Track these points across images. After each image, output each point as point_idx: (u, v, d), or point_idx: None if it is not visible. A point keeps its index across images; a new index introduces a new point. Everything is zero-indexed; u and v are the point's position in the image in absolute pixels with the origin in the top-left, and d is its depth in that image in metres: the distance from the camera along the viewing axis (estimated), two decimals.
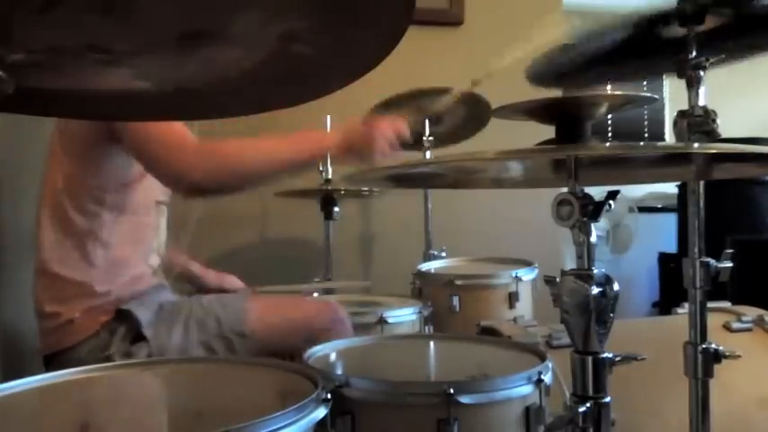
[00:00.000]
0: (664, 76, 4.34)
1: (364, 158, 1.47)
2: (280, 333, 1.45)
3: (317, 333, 1.40)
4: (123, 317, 1.39)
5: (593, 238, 0.87)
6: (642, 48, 1.18)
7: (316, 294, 2.07)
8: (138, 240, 1.50)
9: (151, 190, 1.49)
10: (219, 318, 1.43)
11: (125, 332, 1.39)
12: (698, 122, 1.08)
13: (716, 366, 1.11)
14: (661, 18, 1.08)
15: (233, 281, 1.91)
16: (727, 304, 1.52)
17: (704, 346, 1.11)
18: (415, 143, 1.99)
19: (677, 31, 1.08)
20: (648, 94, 0.93)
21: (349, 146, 1.48)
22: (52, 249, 1.42)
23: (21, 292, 1.57)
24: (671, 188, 3.67)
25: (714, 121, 1.08)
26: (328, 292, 2.17)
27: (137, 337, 1.38)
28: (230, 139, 1.39)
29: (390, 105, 2.11)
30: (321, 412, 0.83)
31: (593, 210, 0.86)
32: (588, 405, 0.86)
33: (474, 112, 2.12)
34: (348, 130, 1.51)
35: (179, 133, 1.35)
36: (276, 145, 1.44)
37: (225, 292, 1.83)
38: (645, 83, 4.41)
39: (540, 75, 1.25)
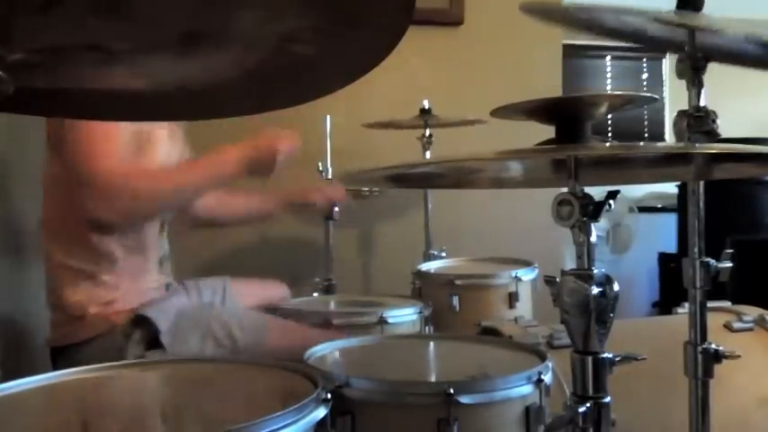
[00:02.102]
0: (664, 71, 4.34)
1: (262, 174, 1.53)
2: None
3: None
4: (140, 322, 1.40)
5: (594, 238, 0.87)
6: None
7: (315, 294, 2.07)
8: (140, 227, 1.51)
9: None
10: (236, 340, 1.43)
11: (141, 337, 1.39)
12: (698, 122, 1.08)
13: (716, 366, 1.11)
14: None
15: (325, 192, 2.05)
16: (727, 304, 1.51)
17: (704, 346, 1.11)
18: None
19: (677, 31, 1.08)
20: (648, 94, 0.93)
21: (249, 163, 1.50)
22: (59, 241, 1.44)
23: (23, 287, 1.57)
24: (671, 188, 3.67)
25: (714, 121, 1.08)
26: (327, 291, 2.17)
27: (152, 343, 1.39)
28: (142, 170, 1.42)
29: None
30: (321, 412, 0.83)
31: (593, 210, 0.86)
32: (588, 405, 0.86)
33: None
34: (246, 147, 1.52)
35: (94, 166, 1.33)
36: (185, 173, 1.50)
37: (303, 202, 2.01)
38: (645, 83, 4.41)
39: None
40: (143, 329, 1.39)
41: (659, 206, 4.05)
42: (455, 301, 1.84)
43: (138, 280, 1.48)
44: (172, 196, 1.48)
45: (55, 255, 1.44)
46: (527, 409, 0.99)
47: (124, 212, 1.39)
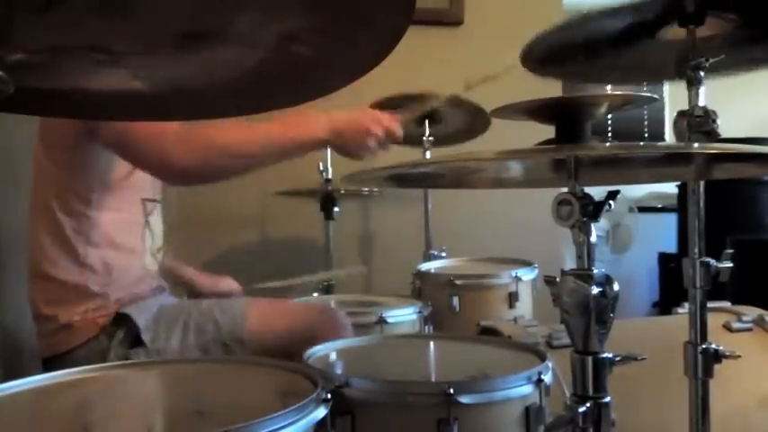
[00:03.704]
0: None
1: (349, 151, 1.45)
2: (279, 339, 1.44)
3: (319, 340, 1.39)
4: (122, 321, 1.39)
5: (594, 238, 0.87)
6: (642, 47, 1.17)
7: (315, 294, 2.07)
8: (127, 240, 1.48)
9: (137, 188, 1.48)
10: (218, 323, 1.42)
11: (123, 336, 1.38)
12: (698, 122, 1.08)
13: (716, 366, 1.11)
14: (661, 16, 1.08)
15: (228, 283, 1.90)
16: (727, 304, 1.51)
17: (704, 346, 1.11)
18: (408, 142, 1.98)
19: (677, 32, 1.08)
20: (648, 94, 0.93)
21: (338, 135, 1.43)
22: (44, 252, 1.42)
23: (20, 293, 1.57)
24: (671, 188, 3.67)
25: (714, 121, 1.08)
26: (327, 290, 2.17)
27: (135, 341, 1.37)
28: (216, 123, 1.35)
29: (383, 107, 2.11)
30: (321, 412, 0.83)
31: (593, 210, 0.86)
32: (588, 405, 0.86)
33: (473, 119, 2.13)
34: (338, 118, 1.45)
35: (165, 125, 1.32)
36: (265, 130, 1.42)
37: (221, 295, 1.80)
38: (645, 83, 4.42)
39: (538, 59, 1.23)
40: (124, 328, 1.38)
41: (659, 206, 4.05)
42: (455, 301, 1.84)
43: (125, 285, 1.46)
44: (248, 149, 1.41)
45: (40, 268, 1.42)
46: (527, 409, 0.99)
47: (199, 157, 1.35)
